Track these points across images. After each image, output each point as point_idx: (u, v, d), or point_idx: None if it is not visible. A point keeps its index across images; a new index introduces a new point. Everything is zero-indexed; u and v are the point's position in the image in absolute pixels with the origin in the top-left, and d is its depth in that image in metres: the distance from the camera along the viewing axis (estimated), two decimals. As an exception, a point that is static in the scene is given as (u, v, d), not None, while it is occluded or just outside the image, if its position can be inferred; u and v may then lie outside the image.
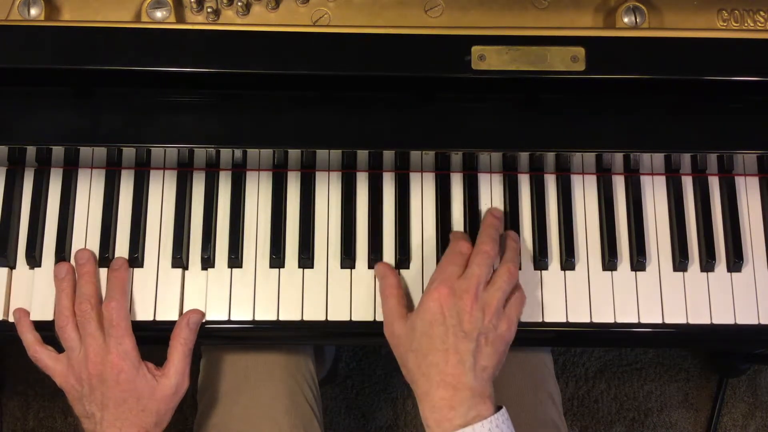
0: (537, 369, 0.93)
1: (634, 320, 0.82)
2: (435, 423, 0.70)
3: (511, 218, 0.84)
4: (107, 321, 0.76)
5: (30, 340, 0.78)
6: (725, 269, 0.84)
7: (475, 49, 0.74)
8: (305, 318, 0.81)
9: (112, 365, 0.75)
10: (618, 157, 0.84)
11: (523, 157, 0.84)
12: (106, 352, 0.75)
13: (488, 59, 0.74)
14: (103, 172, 0.84)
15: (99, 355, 0.75)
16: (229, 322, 0.81)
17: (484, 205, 0.84)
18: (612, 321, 0.82)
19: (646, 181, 0.86)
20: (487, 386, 0.71)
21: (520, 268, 0.82)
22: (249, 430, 0.86)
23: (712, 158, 0.85)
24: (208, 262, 0.82)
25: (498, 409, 0.71)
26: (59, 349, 0.78)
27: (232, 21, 0.78)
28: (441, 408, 0.70)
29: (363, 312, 0.81)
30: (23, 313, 0.79)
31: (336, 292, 0.81)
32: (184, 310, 0.80)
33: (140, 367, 0.76)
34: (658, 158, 0.84)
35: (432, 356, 0.71)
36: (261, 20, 0.78)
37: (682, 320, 0.82)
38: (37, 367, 0.79)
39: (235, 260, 0.82)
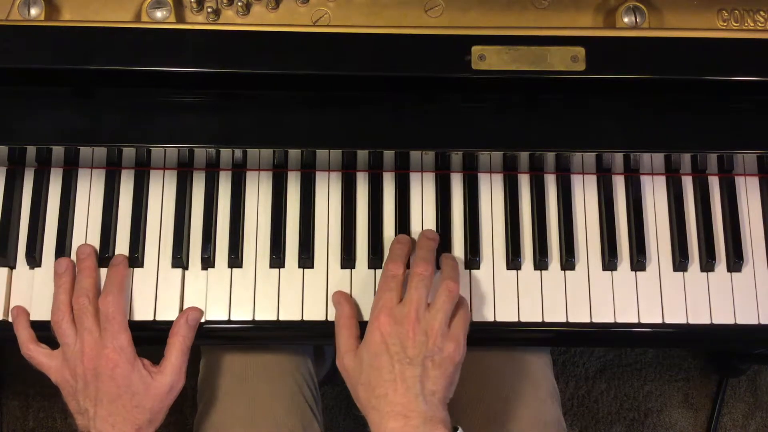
0: (537, 369, 0.93)
1: (634, 320, 0.82)
2: None
3: (511, 218, 0.84)
4: (103, 315, 0.76)
5: (24, 337, 0.78)
6: (725, 269, 0.84)
7: (475, 49, 0.74)
8: (305, 318, 0.81)
9: (107, 360, 0.74)
10: (618, 157, 0.84)
11: (523, 157, 0.84)
12: (102, 347, 0.75)
13: (488, 59, 0.74)
14: (103, 172, 0.84)
15: (94, 350, 0.75)
16: (229, 322, 0.81)
17: (484, 205, 0.84)
18: (612, 321, 0.82)
19: (646, 181, 0.86)
20: (438, 410, 0.70)
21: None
22: (248, 430, 0.86)
23: (712, 158, 0.85)
24: (208, 262, 0.82)
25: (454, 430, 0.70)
26: (54, 347, 0.78)
27: (232, 21, 0.78)
28: None
29: (363, 312, 0.81)
30: (21, 310, 0.80)
31: (336, 292, 0.81)
32: (185, 308, 0.80)
33: (135, 363, 0.76)
34: (658, 158, 0.84)
35: (380, 388, 0.71)
36: (261, 20, 0.78)
37: (682, 320, 0.82)
38: (37, 368, 0.79)
39: (235, 260, 0.82)
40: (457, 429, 0.71)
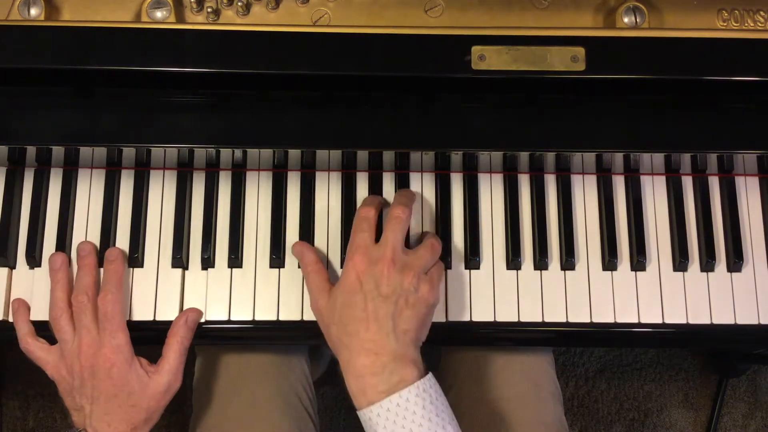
0: (538, 369, 0.93)
1: (634, 320, 0.82)
2: (359, 391, 0.69)
3: (511, 218, 0.84)
4: (102, 314, 0.76)
5: (23, 330, 0.78)
6: (725, 269, 0.84)
7: (475, 49, 0.74)
8: (305, 318, 0.81)
9: (104, 359, 0.74)
10: (618, 157, 0.84)
11: (523, 157, 0.84)
12: (100, 345, 0.75)
13: (488, 59, 0.74)
14: (103, 172, 0.84)
15: (92, 348, 0.75)
16: (229, 322, 0.81)
17: (484, 205, 0.84)
18: (612, 321, 0.82)
19: (646, 181, 0.86)
20: (409, 350, 0.71)
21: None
22: (244, 431, 0.86)
23: (712, 158, 0.85)
24: (208, 262, 0.82)
25: (425, 374, 0.70)
26: (53, 343, 0.78)
27: (232, 21, 0.78)
28: (363, 375, 0.69)
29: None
30: (21, 303, 0.80)
31: (336, 292, 0.81)
32: (185, 308, 0.80)
33: (133, 362, 0.76)
34: (658, 158, 0.84)
35: (352, 325, 0.71)
36: (261, 20, 0.78)
37: (682, 320, 0.82)
38: (37, 367, 0.79)
39: (235, 260, 0.82)
40: (428, 373, 0.70)
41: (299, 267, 0.82)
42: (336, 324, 0.73)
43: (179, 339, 0.78)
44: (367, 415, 0.68)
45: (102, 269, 0.80)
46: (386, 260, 0.72)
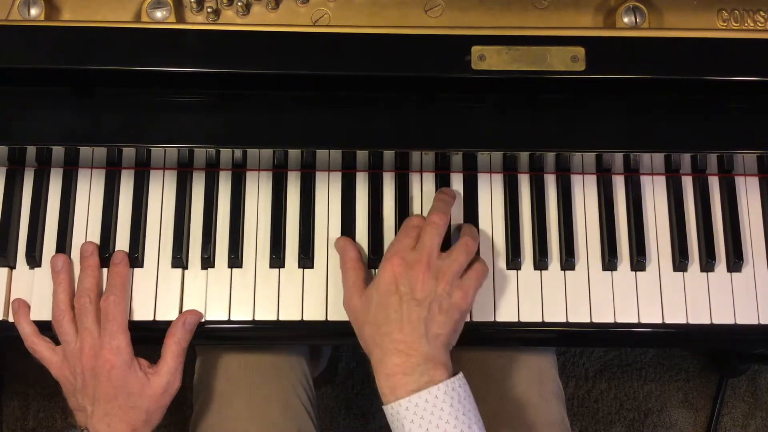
0: (540, 369, 0.93)
1: (634, 320, 0.82)
2: (389, 390, 0.70)
3: (511, 218, 0.84)
4: (104, 315, 0.76)
5: (27, 330, 0.78)
6: (725, 269, 0.84)
7: (475, 49, 0.74)
8: (305, 318, 0.81)
9: (104, 360, 0.75)
10: (618, 157, 0.84)
11: (523, 157, 0.84)
12: (100, 347, 0.75)
13: (488, 59, 0.74)
14: (103, 172, 0.84)
15: (93, 349, 0.75)
16: (229, 322, 0.81)
17: (483, 205, 0.84)
18: (612, 321, 0.82)
19: (646, 181, 0.86)
20: (440, 353, 0.71)
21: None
22: (244, 431, 0.86)
23: (712, 158, 0.85)
24: (208, 262, 0.82)
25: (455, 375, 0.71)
26: (57, 343, 0.78)
27: (232, 21, 0.78)
28: (395, 374, 0.70)
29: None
30: (22, 303, 0.80)
31: (336, 293, 0.81)
32: (184, 310, 0.80)
33: (132, 363, 0.76)
34: (658, 158, 0.84)
35: (385, 326, 0.72)
36: (261, 20, 0.78)
37: (682, 320, 0.82)
38: (38, 367, 0.79)
39: (235, 260, 0.82)
40: (459, 373, 0.71)
41: (299, 267, 0.82)
42: (370, 323, 0.74)
43: (176, 340, 0.78)
44: (395, 408, 0.69)
45: (105, 270, 0.80)
46: (422, 265, 0.73)
